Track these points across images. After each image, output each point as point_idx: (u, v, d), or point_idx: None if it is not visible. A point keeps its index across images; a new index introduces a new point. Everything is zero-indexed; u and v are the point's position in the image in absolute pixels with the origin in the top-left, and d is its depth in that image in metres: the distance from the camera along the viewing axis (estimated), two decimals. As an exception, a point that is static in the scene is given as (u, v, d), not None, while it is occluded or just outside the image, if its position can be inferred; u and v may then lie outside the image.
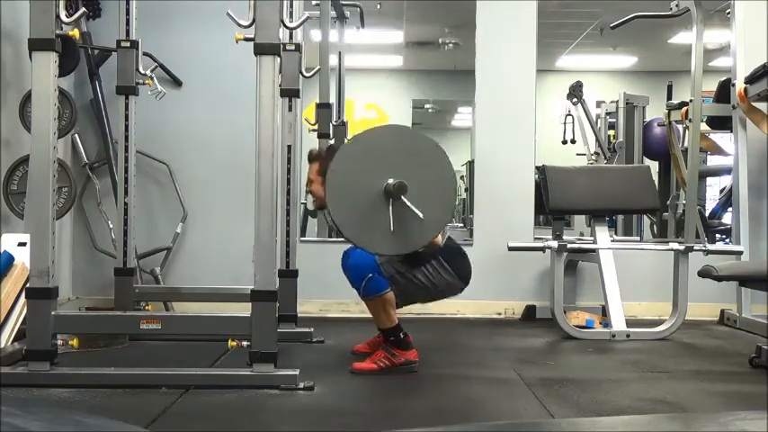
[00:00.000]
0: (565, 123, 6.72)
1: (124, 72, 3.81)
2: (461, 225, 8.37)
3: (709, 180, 6.82)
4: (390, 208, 2.79)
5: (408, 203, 2.78)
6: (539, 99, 4.98)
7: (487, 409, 2.72)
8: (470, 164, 6.25)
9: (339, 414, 2.64)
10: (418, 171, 2.84)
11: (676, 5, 4.64)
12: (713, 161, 6.70)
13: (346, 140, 5.10)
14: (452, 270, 3.22)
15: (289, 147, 3.91)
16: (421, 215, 2.78)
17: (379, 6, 6.52)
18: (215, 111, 4.77)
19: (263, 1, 2.86)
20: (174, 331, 3.25)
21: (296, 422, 2.54)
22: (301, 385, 2.82)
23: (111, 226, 4.36)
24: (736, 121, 4.70)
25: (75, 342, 3.03)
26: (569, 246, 4.21)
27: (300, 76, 3.96)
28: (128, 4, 3.80)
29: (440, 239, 3.15)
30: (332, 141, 5.71)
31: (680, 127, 5.54)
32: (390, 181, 2.79)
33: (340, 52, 5.32)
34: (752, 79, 4.40)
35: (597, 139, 6.75)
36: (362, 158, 2.88)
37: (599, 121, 6.93)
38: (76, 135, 4.60)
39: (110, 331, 3.41)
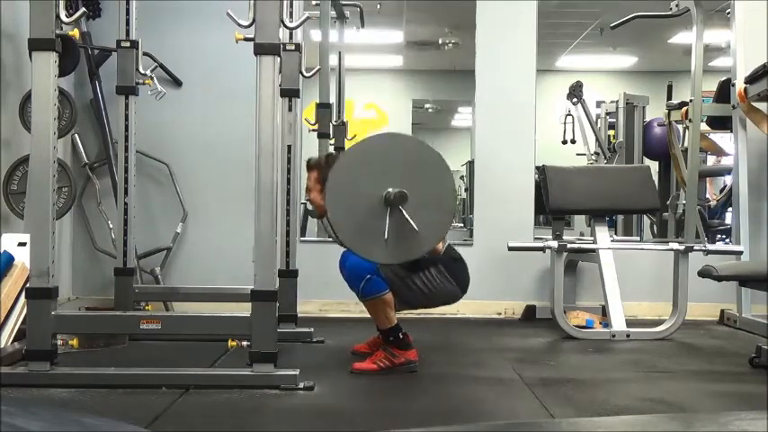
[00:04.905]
0: (565, 123, 6.72)
1: (124, 72, 3.81)
2: (461, 225, 8.37)
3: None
4: (388, 217, 2.78)
5: (406, 215, 2.78)
6: (539, 99, 4.98)
7: (487, 409, 2.72)
8: (470, 164, 6.25)
9: (339, 414, 2.64)
10: (418, 181, 2.83)
11: (676, 5, 4.64)
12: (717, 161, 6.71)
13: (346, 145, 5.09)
14: (451, 277, 3.22)
15: (289, 147, 3.91)
16: (416, 228, 2.78)
17: (379, 6, 6.52)
18: (215, 111, 4.77)
19: (263, 1, 2.86)
20: (174, 331, 3.25)
21: (296, 422, 2.54)
22: (301, 385, 2.82)
23: (111, 226, 4.36)
24: (736, 121, 4.70)
25: (75, 342, 3.04)
26: (569, 246, 4.21)
27: (300, 76, 3.96)
28: (128, 4, 3.80)
29: (440, 247, 3.16)
30: (332, 141, 5.70)
31: (680, 127, 5.53)
32: (391, 190, 2.79)
33: (340, 52, 5.30)
34: (752, 79, 4.40)
35: (597, 139, 6.75)
36: (363, 166, 2.87)
37: (599, 121, 6.93)
38: (76, 135, 4.60)
39: (110, 331, 3.41)
